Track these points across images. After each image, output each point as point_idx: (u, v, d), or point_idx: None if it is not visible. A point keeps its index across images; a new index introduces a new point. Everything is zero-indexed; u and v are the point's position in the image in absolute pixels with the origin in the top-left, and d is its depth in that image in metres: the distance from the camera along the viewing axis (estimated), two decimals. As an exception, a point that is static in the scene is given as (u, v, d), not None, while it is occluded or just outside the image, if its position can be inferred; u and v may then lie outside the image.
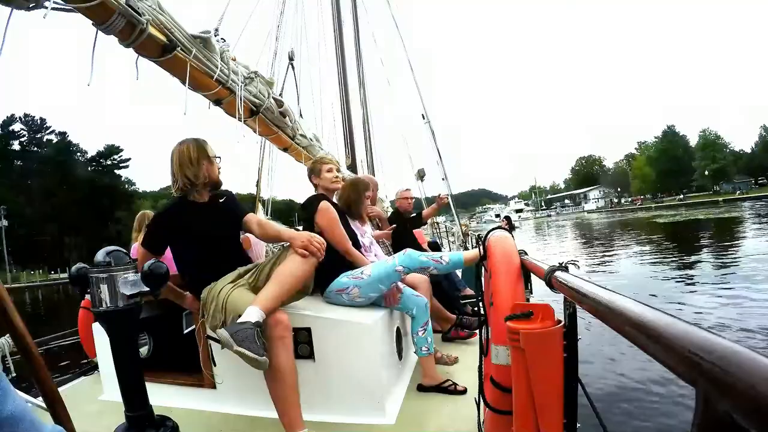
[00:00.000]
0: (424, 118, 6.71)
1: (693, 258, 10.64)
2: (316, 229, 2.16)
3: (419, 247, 3.74)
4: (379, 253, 2.70)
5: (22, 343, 0.86)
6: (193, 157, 1.83)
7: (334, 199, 2.52)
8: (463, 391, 1.98)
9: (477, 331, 2.68)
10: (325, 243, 1.76)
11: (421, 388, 2.06)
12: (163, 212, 1.94)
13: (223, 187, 2.00)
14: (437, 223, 9.93)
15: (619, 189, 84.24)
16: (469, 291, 3.24)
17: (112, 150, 53.21)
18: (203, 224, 1.86)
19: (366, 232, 2.69)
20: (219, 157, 1.94)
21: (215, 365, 1.99)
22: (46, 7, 1.39)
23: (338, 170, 2.40)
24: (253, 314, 1.52)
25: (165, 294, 1.87)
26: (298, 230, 2.08)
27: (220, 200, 1.95)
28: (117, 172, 54.69)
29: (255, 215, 2.04)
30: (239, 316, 1.54)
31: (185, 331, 2.19)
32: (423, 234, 5.51)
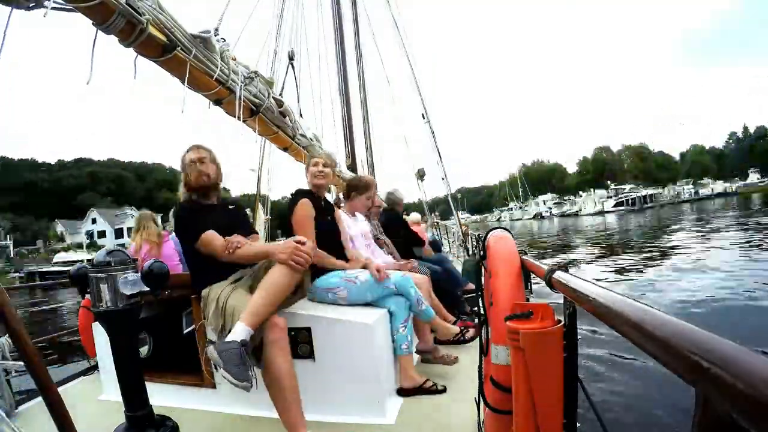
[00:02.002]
0: (424, 118, 6.71)
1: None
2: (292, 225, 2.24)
3: (419, 243, 3.84)
4: (376, 250, 2.73)
5: (20, 342, 0.86)
6: (181, 166, 2.03)
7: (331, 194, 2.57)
8: (443, 390, 1.96)
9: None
10: (310, 250, 1.74)
11: (402, 392, 1.97)
12: (180, 206, 2.00)
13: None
14: (437, 223, 9.95)
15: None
16: (471, 286, 3.23)
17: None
18: (220, 220, 1.93)
19: (356, 224, 2.72)
20: (197, 160, 1.97)
21: (215, 369, 1.99)
22: (46, 7, 1.39)
23: (325, 165, 2.37)
24: (240, 332, 1.52)
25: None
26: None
27: (230, 206, 2.09)
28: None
29: (257, 238, 2.11)
30: (229, 332, 1.58)
31: (185, 331, 2.19)
32: (424, 231, 5.56)
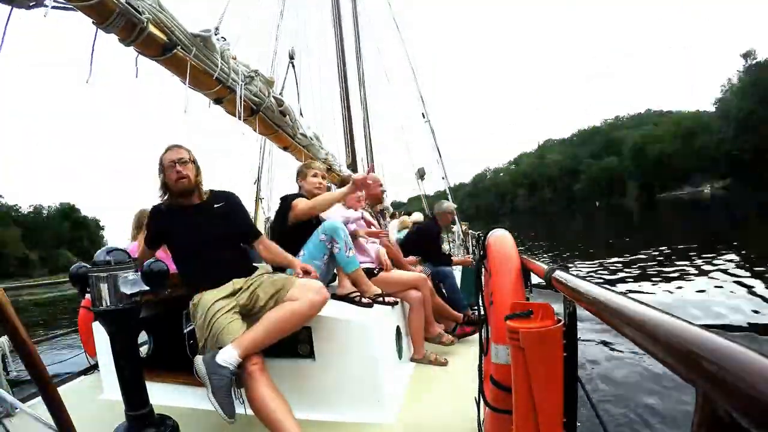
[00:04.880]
0: (424, 117, 6.72)
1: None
2: (291, 220, 2.24)
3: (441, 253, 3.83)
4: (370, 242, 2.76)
5: (20, 342, 0.86)
6: (160, 167, 1.84)
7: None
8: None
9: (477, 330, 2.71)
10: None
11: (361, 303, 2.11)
12: (152, 210, 1.91)
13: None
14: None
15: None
16: (459, 316, 3.05)
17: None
18: (185, 230, 1.82)
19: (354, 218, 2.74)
20: (177, 161, 1.79)
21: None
22: (47, 6, 1.39)
23: (324, 177, 2.48)
24: (230, 357, 1.50)
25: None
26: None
27: (216, 205, 1.89)
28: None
29: (265, 238, 2.02)
30: (219, 348, 1.56)
31: (185, 330, 2.19)
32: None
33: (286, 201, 2.31)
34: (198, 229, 1.82)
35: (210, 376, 1.49)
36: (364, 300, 2.08)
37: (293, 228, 2.26)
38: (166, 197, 1.88)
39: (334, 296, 2.15)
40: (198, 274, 1.81)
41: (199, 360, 1.54)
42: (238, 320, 1.67)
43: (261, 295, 1.75)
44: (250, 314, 1.74)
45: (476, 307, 2.57)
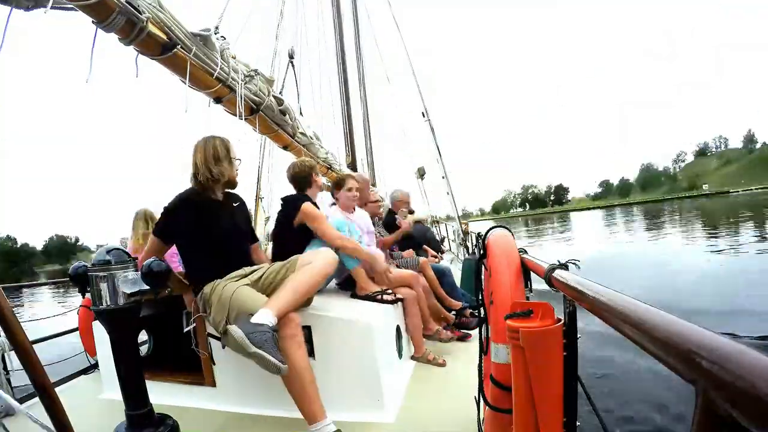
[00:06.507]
0: (424, 116, 6.71)
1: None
2: (296, 225, 2.29)
3: (416, 242, 3.90)
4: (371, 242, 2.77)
5: (18, 341, 0.86)
6: (220, 155, 1.90)
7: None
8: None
9: (472, 332, 2.72)
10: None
11: (355, 296, 2.28)
12: (179, 201, 1.88)
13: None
14: (437, 221, 9.95)
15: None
16: (458, 304, 3.12)
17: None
18: (219, 221, 1.89)
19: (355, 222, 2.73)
20: (239, 160, 2.00)
21: (214, 364, 1.99)
22: (46, 6, 1.38)
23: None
24: (267, 317, 1.52)
25: (174, 286, 1.85)
26: None
27: (234, 203, 2.02)
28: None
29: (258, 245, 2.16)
30: (249, 315, 1.55)
31: (185, 330, 2.19)
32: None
33: (293, 204, 2.34)
34: (227, 223, 1.93)
35: (249, 335, 1.46)
36: (388, 298, 2.19)
37: (298, 229, 2.30)
38: (192, 187, 1.92)
39: (356, 296, 2.22)
40: (217, 265, 1.85)
41: (232, 328, 1.51)
42: (258, 292, 1.74)
43: (271, 273, 1.85)
44: (262, 291, 1.79)
45: (476, 312, 2.59)
